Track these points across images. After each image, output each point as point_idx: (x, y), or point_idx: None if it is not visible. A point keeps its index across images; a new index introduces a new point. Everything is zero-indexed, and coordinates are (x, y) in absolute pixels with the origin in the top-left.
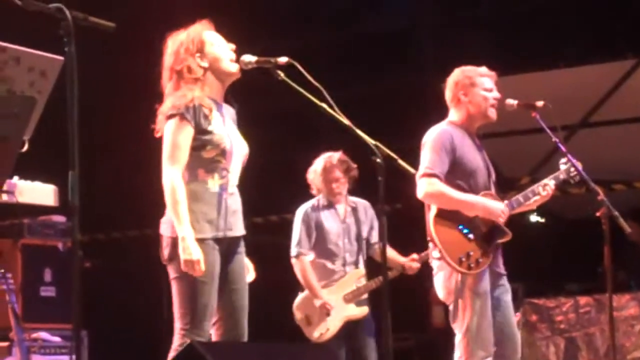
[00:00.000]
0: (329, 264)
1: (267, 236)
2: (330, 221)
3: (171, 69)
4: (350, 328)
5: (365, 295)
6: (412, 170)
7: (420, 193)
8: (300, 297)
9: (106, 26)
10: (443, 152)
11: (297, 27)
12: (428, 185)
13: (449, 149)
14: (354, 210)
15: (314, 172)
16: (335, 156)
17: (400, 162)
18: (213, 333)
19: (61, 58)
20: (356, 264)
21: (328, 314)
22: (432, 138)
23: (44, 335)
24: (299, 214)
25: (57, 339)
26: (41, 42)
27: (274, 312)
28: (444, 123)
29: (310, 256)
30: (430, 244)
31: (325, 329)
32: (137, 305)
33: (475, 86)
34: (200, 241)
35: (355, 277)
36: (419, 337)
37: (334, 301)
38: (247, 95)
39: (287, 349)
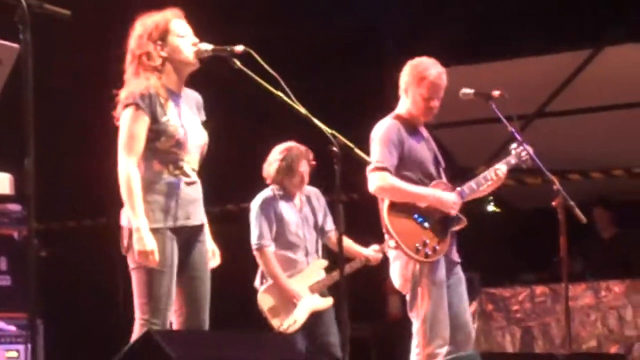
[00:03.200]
0: (290, 255)
1: (223, 226)
2: (288, 212)
3: (132, 52)
4: (313, 318)
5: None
6: (368, 159)
7: (371, 187)
8: (264, 287)
9: (62, 14)
10: (391, 146)
11: (257, 18)
12: (379, 180)
13: (397, 142)
14: (308, 198)
15: (276, 162)
16: (300, 147)
17: (357, 151)
18: (174, 321)
19: (17, 45)
20: (317, 252)
21: (295, 305)
22: (380, 132)
23: None
24: (255, 206)
25: (12, 327)
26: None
27: (232, 302)
28: (390, 116)
29: (272, 247)
30: (386, 235)
31: (293, 321)
32: (93, 294)
33: (417, 87)
34: (156, 231)
35: (319, 268)
36: (376, 326)
37: (301, 291)
38: (203, 84)
39: (246, 338)
